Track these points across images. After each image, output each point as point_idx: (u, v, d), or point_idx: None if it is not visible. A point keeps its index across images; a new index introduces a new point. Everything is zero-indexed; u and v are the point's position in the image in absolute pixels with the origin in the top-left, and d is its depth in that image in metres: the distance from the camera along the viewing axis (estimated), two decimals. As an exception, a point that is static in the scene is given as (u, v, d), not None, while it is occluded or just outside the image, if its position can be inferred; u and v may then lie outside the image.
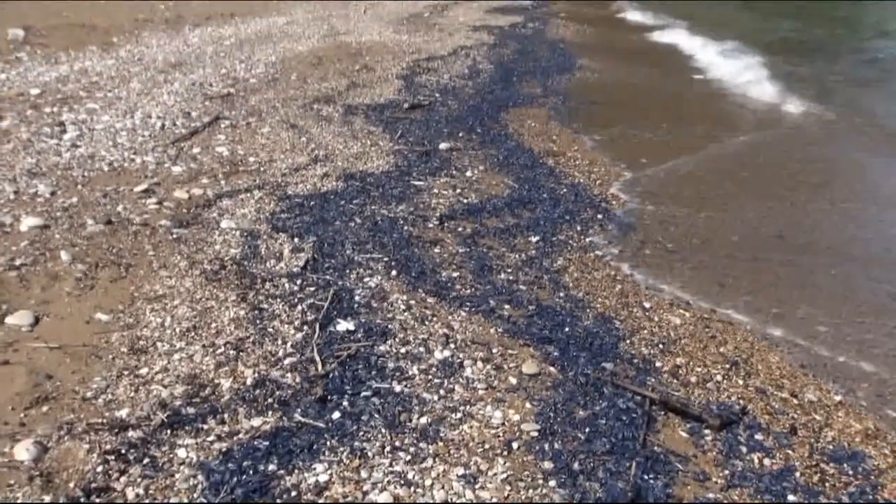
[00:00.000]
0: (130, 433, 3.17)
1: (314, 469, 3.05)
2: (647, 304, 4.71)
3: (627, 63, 14.55)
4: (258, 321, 4.13)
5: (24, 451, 2.98)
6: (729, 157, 8.19)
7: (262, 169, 6.67)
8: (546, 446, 3.25)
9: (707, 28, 19.87)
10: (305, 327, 4.10)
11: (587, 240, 5.67)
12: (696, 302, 4.84)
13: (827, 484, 3.17)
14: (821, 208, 6.60)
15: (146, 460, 3.03)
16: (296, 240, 5.23)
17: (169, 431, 3.21)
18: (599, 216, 6.14)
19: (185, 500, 2.84)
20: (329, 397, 3.50)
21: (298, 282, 4.62)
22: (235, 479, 2.96)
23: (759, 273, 5.32)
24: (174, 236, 5.13)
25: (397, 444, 3.23)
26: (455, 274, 4.89)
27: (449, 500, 2.92)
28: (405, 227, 5.57)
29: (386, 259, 5.01)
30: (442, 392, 3.60)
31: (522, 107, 9.95)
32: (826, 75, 13.50)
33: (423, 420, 3.39)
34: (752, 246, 5.76)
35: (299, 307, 4.31)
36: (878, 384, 4.00)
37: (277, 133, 7.81)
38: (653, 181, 7.16)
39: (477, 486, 3.00)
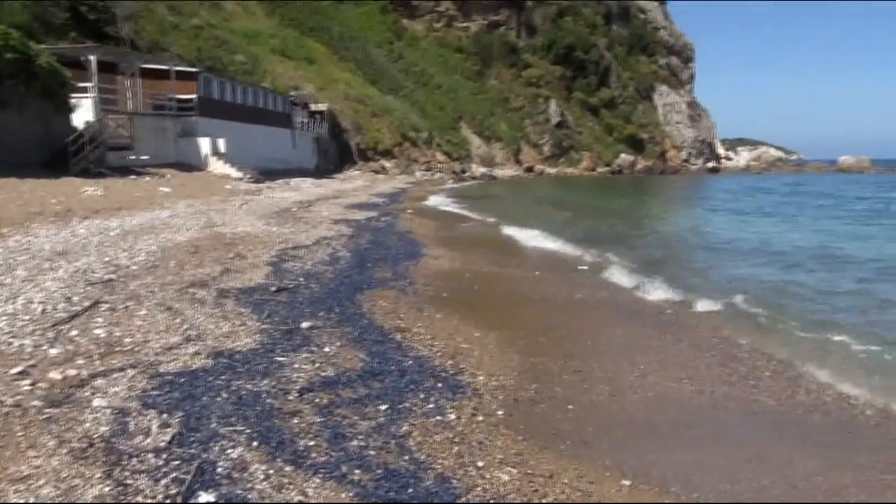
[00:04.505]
0: None
1: None
2: (479, 464, 4.66)
3: (465, 250, 15.18)
4: (121, 497, 3.78)
5: None
6: (553, 327, 8.51)
7: (136, 349, 6.32)
8: None
9: (532, 224, 21.20)
10: (168, 501, 3.78)
11: (429, 406, 5.63)
12: (522, 460, 4.84)
13: None
14: (623, 368, 6.90)
15: None
16: (164, 415, 4.91)
17: None
18: (440, 385, 6.14)
19: None
20: (186, 571, 3.20)
21: (164, 456, 4.29)
22: None
23: (580, 432, 5.41)
24: (45, 416, 4.71)
25: None
26: (311, 443, 4.70)
27: None
28: (267, 400, 5.36)
29: (248, 431, 4.77)
30: (295, 559, 3.37)
31: (375, 289, 10.05)
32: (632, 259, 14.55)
33: (277, 588, 3.14)
34: (576, 408, 5.90)
35: (163, 481, 3.98)
36: (672, 526, 4.08)
37: (153, 315, 7.49)
38: (485, 352, 7.29)
39: None
